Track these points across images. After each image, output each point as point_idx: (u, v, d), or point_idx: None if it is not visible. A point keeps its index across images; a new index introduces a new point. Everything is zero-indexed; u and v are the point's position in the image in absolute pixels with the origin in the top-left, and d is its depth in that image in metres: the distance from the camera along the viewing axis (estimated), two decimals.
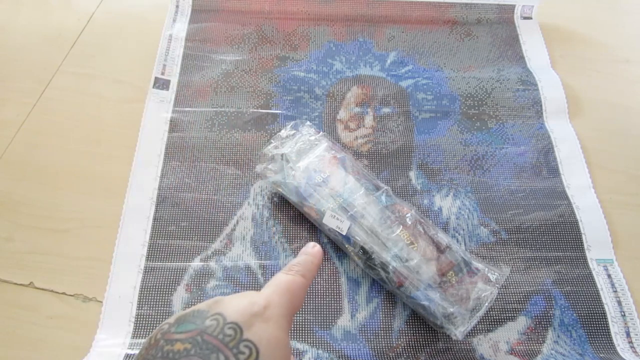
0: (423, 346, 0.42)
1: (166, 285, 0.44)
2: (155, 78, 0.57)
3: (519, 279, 0.46)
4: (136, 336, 0.42)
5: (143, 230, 0.47)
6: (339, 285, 0.45)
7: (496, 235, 0.48)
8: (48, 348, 0.42)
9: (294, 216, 0.48)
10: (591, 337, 0.43)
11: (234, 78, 0.58)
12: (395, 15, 0.65)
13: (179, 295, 0.44)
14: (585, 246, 0.48)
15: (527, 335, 0.43)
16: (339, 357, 0.41)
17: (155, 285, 0.44)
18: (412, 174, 0.52)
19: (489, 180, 0.52)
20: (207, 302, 0.25)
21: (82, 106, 0.56)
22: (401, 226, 0.43)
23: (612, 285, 0.46)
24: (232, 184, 0.51)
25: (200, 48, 0.61)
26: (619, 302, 0.45)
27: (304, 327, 0.43)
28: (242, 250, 0.47)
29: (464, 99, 0.58)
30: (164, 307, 0.43)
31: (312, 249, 0.31)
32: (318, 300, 0.44)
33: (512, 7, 0.65)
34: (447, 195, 0.51)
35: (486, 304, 0.40)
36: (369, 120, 0.56)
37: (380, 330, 0.43)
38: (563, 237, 0.48)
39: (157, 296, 0.44)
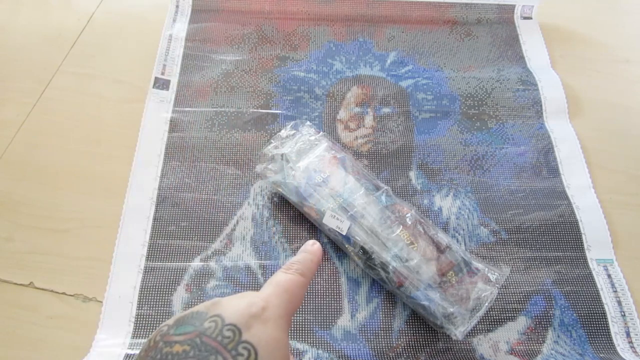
0: (423, 346, 0.42)
1: (166, 285, 0.44)
2: (155, 78, 0.57)
3: (519, 279, 0.46)
4: (136, 336, 0.42)
5: (143, 230, 0.47)
6: (339, 285, 0.45)
7: (496, 235, 0.48)
8: (48, 348, 0.42)
9: (294, 216, 0.48)
10: (591, 337, 0.43)
11: (234, 78, 0.58)
12: (395, 15, 0.65)
13: (179, 295, 0.44)
14: (585, 246, 0.48)
15: (527, 335, 0.43)
16: (339, 357, 0.41)
17: (155, 285, 0.44)
18: (412, 174, 0.52)
19: (489, 180, 0.52)
20: (205, 304, 0.25)
21: (82, 106, 0.56)
22: (401, 226, 0.43)
23: (612, 285, 0.46)
24: (232, 184, 0.51)
25: (200, 48, 0.61)
26: (619, 302, 0.45)
27: (304, 327, 0.43)
28: (242, 250, 0.47)
29: (464, 99, 0.58)
30: (164, 307, 0.43)
31: (312, 247, 0.31)
32: (318, 300, 0.44)
33: (512, 7, 0.65)
34: (447, 195, 0.51)
35: (486, 304, 0.40)
36: (369, 120, 0.56)
37: (380, 330, 0.43)
38: (563, 237, 0.48)
39: (157, 296, 0.44)
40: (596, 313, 0.44)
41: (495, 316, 0.44)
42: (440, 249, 0.42)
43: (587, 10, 0.68)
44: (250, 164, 0.52)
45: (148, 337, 0.24)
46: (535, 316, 0.44)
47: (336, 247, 0.47)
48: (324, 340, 0.42)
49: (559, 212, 0.50)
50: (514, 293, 0.45)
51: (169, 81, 0.57)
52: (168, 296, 0.44)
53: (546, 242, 0.48)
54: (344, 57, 0.61)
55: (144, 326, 0.42)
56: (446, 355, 0.42)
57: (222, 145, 0.53)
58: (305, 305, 0.44)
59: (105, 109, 0.56)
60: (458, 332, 0.39)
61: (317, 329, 0.43)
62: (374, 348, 0.42)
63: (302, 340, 0.42)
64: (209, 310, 0.24)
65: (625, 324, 0.44)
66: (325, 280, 0.45)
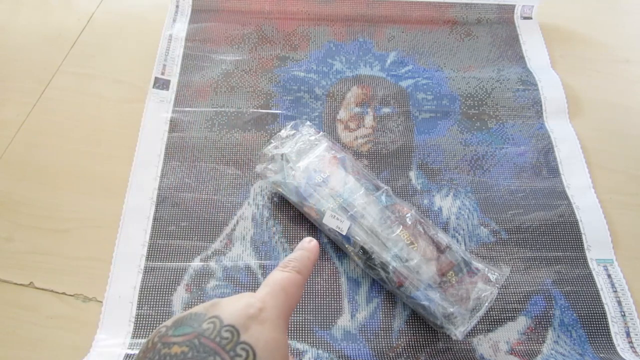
0: (423, 346, 0.42)
1: (166, 285, 0.44)
2: (155, 78, 0.57)
3: (519, 279, 0.46)
4: (136, 336, 0.42)
5: (143, 230, 0.47)
6: (339, 285, 0.45)
7: (496, 235, 0.48)
8: (48, 348, 0.42)
9: (294, 216, 0.48)
10: (591, 337, 0.43)
11: (234, 78, 0.58)
12: (395, 15, 0.65)
13: (179, 295, 0.44)
14: (585, 246, 0.48)
15: (527, 335, 0.43)
16: (339, 357, 0.41)
17: (155, 285, 0.44)
18: (412, 174, 0.52)
19: (489, 180, 0.52)
20: (204, 305, 0.25)
21: (82, 106, 0.56)
22: (401, 226, 0.43)
23: (612, 285, 0.46)
24: (232, 184, 0.51)
25: (200, 48, 0.61)
26: (619, 302, 0.45)
27: (304, 327, 0.43)
28: (242, 250, 0.47)
29: (464, 99, 0.58)
30: (164, 307, 0.43)
31: (309, 244, 0.31)
32: (318, 300, 0.44)
33: (512, 7, 0.65)
34: (447, 195, 0.51)
35: (486, 304, 0.40)
36: (369, 120, 0.56)
37: (380, 330, 0.43)
38: (563, 237, 0.48)
39: (157, 296, 0.44)
40: (596, 313, 0.44)
41: (495, 316, 0.44)
42: (440, 249, 0.42)
43: (587, 10, 0.68)
44: (250, 164, 0.52)
45: (148, 337, 0.24)
46: (535, 316, 0.44)
47: (336, 247, 0.47)
48: (324, 340, 0.42)
49: (559, 212, 0.50)
50: (514, 293, 0.45)
51: (169, 81, 0.57)
52: (168, 296, 0.44)
53: (546, 242, 0.48)
54: (344, 57, 0.61)
55: (144, 326, 0.42)
56: (446, 355, 0.42)
57: (222, 145, 0.53)
58: (305, 305, 0.44)
59: (105, 109, 0.56)
60: (458, 332, 0.39)
61: (317, 329, 0.43)
62: (374, 348, 0.42)
63: (302, 340, 0.42)
64: (207, 311, 0.25)
65: (625, 324, 0.44)
66: (325, 280, 0.45)
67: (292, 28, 0.63)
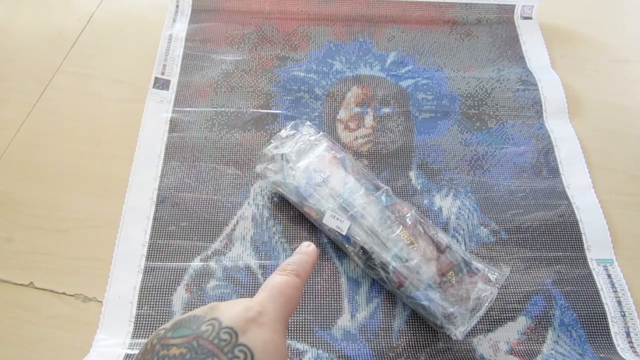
0: (423, 346, 0.42)
1: (166, 285, 0.44)
2: (155, 78, 0.57)
3: (519, 279, 0.46)
4: (136, 336, 0.42)
5: (143, 230, 0.47)
6: (339, 285, 0.45)
7: (496, 235, 0.48)
8: (48, 348, 0.42)
9: (294, 216, 0.48)
10: (591, 337, 0.43)
11: (234, 78, 0.58)
12: (395, 15, 0.65)
13: (179, 295, 0.44)
14: (585, 246, 0.48)
15: (527, 335, 0.43)
16: (339, 357, 0.41)
17: (155, 285, 0.44)
18: (412, 174, 0.52)
19: (489, 180, 0.52)
20: (202, 308, 0.25)
21: (82, 106, 0.56)
22: (401, 226, 0.43)
23: (612, 285, 0.46)
24: (232, 184, 0.51)
25: (200, 48, 0.61)
26: (619, 302, 0.45)
27: (304, 327, 0.43)
28: (242, 250, 0.47)
29: (464, 99, 0.58)
30: (164, 307, 0.43)
31: (307, 248, 0.31)
32: (318, 300, 0.44)
33: (512, 7, 0.65)
34: (447, 195, 0.51)
35: (486, 304, 0.40)
36: (369, 120, 0.56)
37: (380, 330, 0.43)
38: (563, 237, 0.48)
39: (157, 296, 0.44)
40: (596, 313, 0.44)
41: (495, 316, 0.44)
42: (440, 249, 0.42)
43: (587, 10, 0.68)
44: (250, 164, 0.52)
45: (148, 337, 0.24)
46: (535, 316, 0.44)
47: (336, 247, 0.47)
48: (324, 340, 0.42)
49: (559, 212, 0.50)
50: (514, 293, 0.45)
51: (169, 81, 0.57)
52: (168, 296, 0.44)
53: (546, 242, 0.48)
54: (344, 57, 0.61)
55: (144, 326, 0.42)
56: (446, 355, 0.42)
57: (222, 145, 0.53)
58: (305, 305, 0.44)
59: (105, 109, 0.56)
60: (458, 332, 0.39)
61: (317, 329, 0.43)
62: (374, 348, 0.42)
63: (302, 340, 0.42)
64: (206, 314, 0.25)
65: (625, 324, 0.44)
66: (325, 280, 0.45)
67: (292, 28, 0.63)
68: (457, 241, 0.48)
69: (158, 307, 0.43)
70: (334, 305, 0.44)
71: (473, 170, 0.52)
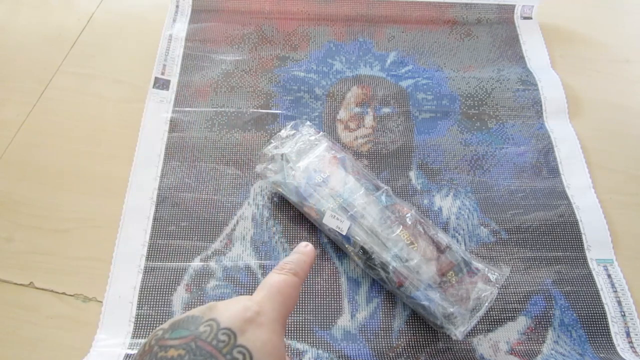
0: (423, 346, 0.42)
1: (166, 285, 0.44)
2: (155, 78, 0.57)
3: (519, 279, 0.46)
4: (136, 336, 0.42)
5: (143, 230, 0.47)
6: (339, 285, 0.45)
7: (496, 235, 0.48)
8: (48, 348, 0.42)
9: (294, 216, 0.48)
10: (591, 337, 0.43)
11: (234, 78, 0.58)
12: (395, 15, 0.65)
13: (179, 295, 0.44)
14: (585, 246, 0.48)
15: (527, 335, 0.43)
16: (339, 357, 0.41)
17: (155, 285, 0.44)
18: (412, 174, 0.52)
19: (489, 180, 0.52)
20: (200, 308, 0.25)
21: (82, 106, 0.56)
22: (401, 226, 0.43)
23: (612, 285, 0.46)
24: (232, 184, 0.51)
25: (200, 48, 0.61)
26: (619, 302, 0.45)
27: (304, 327, 0.43)
28: (242, 250, 0.47)
29: (464, 99, 0.58)
30: (164, 307, 0.43)
31: (305, 248, 0.31)
32: (318, 300, 0.44)
33: (512, 7, 0.65)
34: (447, 195, 0.51)
35: (486, 304, 0.40)
36: (369, 120, 0.56)
37: (380, 330, 0.43)
38: (563, 237, 0.48)
39: (157, 296, 0.44)
40: (596, 313, 0.44)
41: (495, 316, 0.44)
42: (440, 249, 0.42)
43: (587, 10, 0.68)
44: (250, 164, 0.52)
45: (143, 342, 0.24)
46: (535, 316, 0.44)
47: (336, 247, 0.47)
48: (324, 340, 0.42)
49: (559, 212, 0.50)
50: (514, 293, 0.45)
51: (169, 81, 0.57)
52: (168, 296, 0.44)
53: (546, 242, 0.48)
54: (344, 57, 0.61)
55: (144, 326, 0.42)
56: (446, 355, 0.42)
57: (222, 145, 0.53)
58: (305, 305, 0.44)
59: (105, 109, 0.56)
60: (458, 332, 0.39)
61: (317, 329, 0.43)
62: (374, 348, 0.42)
63: (302, 340, 0.42)
64: (204, 314, 0.24)
65: (625, 324, 0.44)
66: (325, 280, 0.45)
67: (292, 28, 0.63)
68: (457, 241, 0.48)
69: (158, 307, 0.43)
70: (334, 305, 0.44)
71: (473, 170, 0.52)
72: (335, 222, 0.43)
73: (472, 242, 0.48)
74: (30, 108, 0.56)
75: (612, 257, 0.47)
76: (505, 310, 0.44)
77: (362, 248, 0.43)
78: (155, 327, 0.42)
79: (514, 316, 0.44)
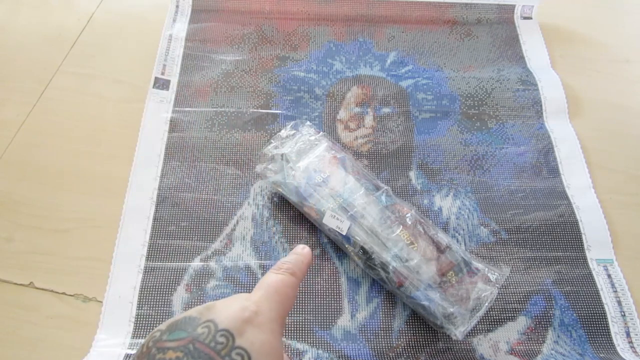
0: (423, 346, 0.42)
1: (166, 285, 0.44)
2: (155, 78, 0.57)
3: (519, 279, 0.46)
4: (136, 336, 0.42)
5: (143, 230, 0.47)
6: (339, 285, 0.45)
7: (496, 235, 0.48)
8: (48, 348, 0.42)
9: (294, 216, 0.48)
10: (591, 337, 0.43)
11: (234, 78, 0.58)
12: (395, 15, 0.65)
13: (179, 295, 0.44)
14: (585, 246, 0.48)
15: (527, 335, 0.43)
16: (339, 357, 0.41)
17: (155, 285, 0.44)
18: (412, 174, 0.52)
19: (489, 180, 0.52)
20: (198, 309, 0.25)
21: (82, 106, 0.56)
22: (401, 226, 0.43)
23: (612, 285, 0.46)
24: (232, 184, 0.51)
25: (200, 48, 0.61)
26: (619, 302, 0.45)
27: (304, 327, 0.43)
28: (242, 250, 0.47)
29: (464, 99, 0.58)
30: (164, 307, 0.43)
31: (302, 250, 0.31)
32: (318, 300, 0.44)
33: (512, 7, 0.65)
34: (447, 195, 0.51)
35: (486, 304, 0.40)
36: (369, 120, 0.56)
37: (380, 330, 0.43)
38: (563, 237, 0.48)
39: (157, 296, 0.44)
40: (596, 313, 0.44)
41: (495, 316, 0.44)
42: (440, 249, 0.42)
43: (587, 10, 0.68)
44: (250, 164, 0.52)
45: (140, 344, 0.24)
46: (535, 316, 0.44)
47: (336, 247, 0.47)
48: (324, 340, 0.42)
49: (559, 212, 0.50)
50: (514, 293, 0.45)
51: (169, 81, 0.57)
52: (168, 296, 0.44)
53: (546, 242, 0.48)
54: (344, 57, 0.61)
55: (144, 326, 0.42)
56: (446, 355, 0.42)
57: (222, 145, 0.53)
58: (305, 305, 0.44)
59: (105, 109, 0.56)
60: (458, 332, 0.39)
61: (317, 329, 0.43)
62: (374, 348, 0.42)
63: (302, 340, 0.42)
64: (201, 315, 0.24)
65: (625, 324, 0.44)
66: (325, 280, 0.45)
67: (292, 28, 0.63)
68: (457, 241, 0.48)
69: (158, 307, 0.43)
70: (334, 305, 0.44)
71: (473, 170, 0.52)
72: (335, 222, 0.43)
73: (472, 242, 0.48)
74: (30, 108, 0.56)
75: (612, 257, 0.47)
76: (505, 310, 0.44)
77: (362, 248, 0.43)
78: (155, 327, 0.42)
79: (514, 316, 0.44)
